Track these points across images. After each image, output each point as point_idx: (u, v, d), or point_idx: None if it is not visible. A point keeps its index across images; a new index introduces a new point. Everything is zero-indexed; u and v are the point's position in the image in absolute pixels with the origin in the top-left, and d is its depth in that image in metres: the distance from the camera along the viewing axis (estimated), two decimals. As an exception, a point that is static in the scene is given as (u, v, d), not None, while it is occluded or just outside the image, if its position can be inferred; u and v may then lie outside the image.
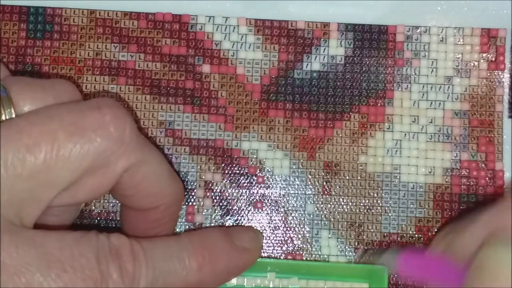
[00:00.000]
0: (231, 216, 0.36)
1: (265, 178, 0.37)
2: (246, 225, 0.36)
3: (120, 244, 0.26)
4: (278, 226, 0.36)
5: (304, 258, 0.36)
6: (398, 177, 0.36)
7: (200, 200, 0.36)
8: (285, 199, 0.36)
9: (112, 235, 0.26)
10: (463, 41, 0.37)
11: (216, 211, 0.36)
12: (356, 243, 0.36)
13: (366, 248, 0.36)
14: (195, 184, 0.36)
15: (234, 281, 0.34)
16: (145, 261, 0.26)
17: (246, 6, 0.38)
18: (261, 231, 0.36)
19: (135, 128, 0.27)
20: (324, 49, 0.37)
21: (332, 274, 0.35)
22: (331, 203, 0.36)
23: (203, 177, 0.37)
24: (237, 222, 0.36)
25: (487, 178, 0.36)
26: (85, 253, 0.25)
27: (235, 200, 0.36)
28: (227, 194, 0.36)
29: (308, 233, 0.36)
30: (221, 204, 0.36)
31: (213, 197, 0.36)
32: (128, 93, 0.37)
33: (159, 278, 0.27)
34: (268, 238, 0.36)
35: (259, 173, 0.37)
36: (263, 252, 0.36)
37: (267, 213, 0.36)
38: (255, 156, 0.37)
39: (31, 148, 0.25)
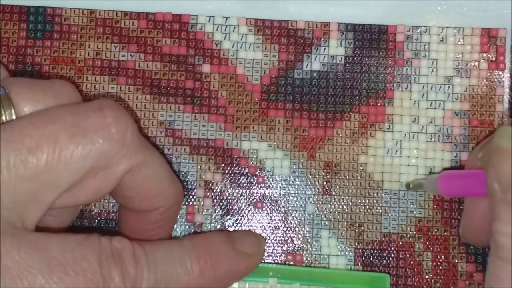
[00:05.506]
0: (231, 216, 0.36)
1: (265, 178, 0.37)
2: (246, 225, 0.36)
3: (122, 247, 0.26)
4: (278, 226, 0.36)
5: (304, 258, 0.36)
6: (398, 177, 0.37)
7: (200, 200, 0.36)
8: (285, 199, 0.36)
9: (114, 238, 0.26)
10: (463, 41, 0.37)
11: (216, 211, 0.36)
12: (356, 243, 0.36)
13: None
14: (195, 184, 0.36)
15: (235, 285, 0.34)
16: (147, 264, 0.26)
17: (246, 6, 0.37)
18: (261, 231, 0.36)
19: (136, 130, 0.28)
20: (324, 49, 0.37)
21: (334, 280, 0.35)
22: (331, 203, 0.36)
23: (203, 177, 0.37)
24: (237, 222, 0.36)
25: (486, 178, 0.36)
26: (87, 257, 0.25)
27: (235, 200, 0.36)
28: (227, 194, 0.36)
29: (308, 233, 0.36)
30: (221, 204, 0.36)
31: (213, 197, 0.36)
32: (128, 93, 0.37)
33: (161, 282, 0.27)
34: (268, 238, 0.36)
35: (259, 173, 0.37)
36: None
37: (267, 213, 0.36)
38: (255, 156, 0.37)
39: (33, 150, 0.25)
